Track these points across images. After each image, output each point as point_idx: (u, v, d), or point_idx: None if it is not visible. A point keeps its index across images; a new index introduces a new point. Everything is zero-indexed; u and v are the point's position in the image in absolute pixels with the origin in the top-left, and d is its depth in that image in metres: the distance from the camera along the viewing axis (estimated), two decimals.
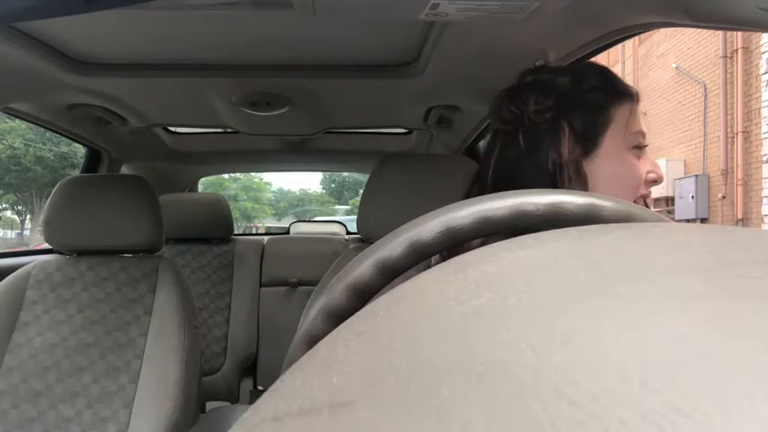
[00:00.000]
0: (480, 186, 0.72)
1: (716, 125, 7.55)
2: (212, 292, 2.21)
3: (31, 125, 1.75)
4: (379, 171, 1.14)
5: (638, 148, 0.70)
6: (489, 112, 0.74)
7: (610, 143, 0.67)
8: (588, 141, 0.67)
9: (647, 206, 0.69)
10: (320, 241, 2.47)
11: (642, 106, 0.76)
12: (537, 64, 0.74)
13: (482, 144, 2.03)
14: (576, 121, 0.66)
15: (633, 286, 0.15)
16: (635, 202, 0.68)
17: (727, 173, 7.41)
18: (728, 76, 7.33)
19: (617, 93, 0.69)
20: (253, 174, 16.36)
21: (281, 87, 1.43)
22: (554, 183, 0.66)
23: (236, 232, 2.43)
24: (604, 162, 0.67)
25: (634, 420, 0.11)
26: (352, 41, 1.18)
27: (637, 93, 0.71)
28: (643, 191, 0.69)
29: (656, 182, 0.70)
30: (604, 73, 0.71)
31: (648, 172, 0.70)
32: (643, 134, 0.70)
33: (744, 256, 0.17)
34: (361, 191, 1.40)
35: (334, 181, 23.68)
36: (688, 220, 7.44)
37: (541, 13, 0.90)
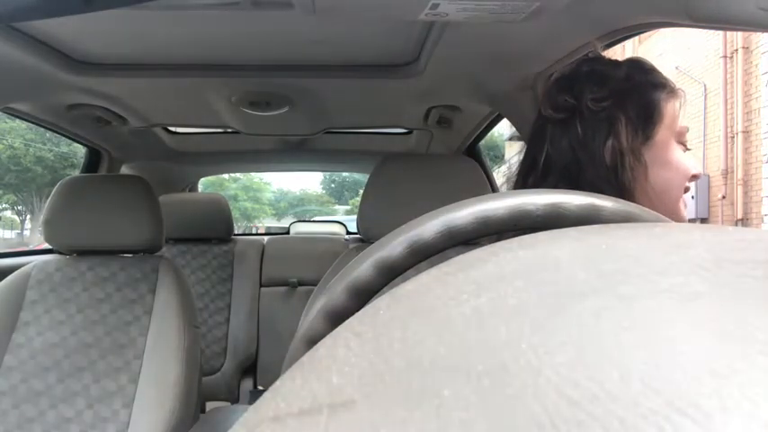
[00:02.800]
0: (536, 174, 0.73)
1: (716, 125, 7.55)
2: (212, 292, 2.21)
3: (31, 125, 1.75)
4: (379, 171, 1.14)
5: (682, 144, 0.72)
6: (540, 99, 0.75)
7: (663, 134, 0.69)
8: (645, 131, 0.69)
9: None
10: (320, 241, 2.47)
11: None
12: (591, 55, 0.76)
13: (482, 144, 2.03)
14: (632, 112, 0.68)
15: (633, 286, 0.15)
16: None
17: (727, 173, 7.40)
18: (728, 76, 7.33)
19: (667, 88, 0.71)
20: (253, 174, 16.35)
21: (281, 87, 1.43)
22: (614, 170, 0.67)
23: (235, 232, 2.43)
24: (659, 152, 0.69)
25: (634, 420, 0.11)
26: (352, 41, 1.18)
27: (681, 89, 0.73)
28: (686, 184, 0.72)
29: (695, 177, 0.72)
30: (651, 69, 0.73)
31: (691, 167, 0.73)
32: (687, 130, 0.73)
33: (744, 256, 0.17)
34: (361, 191, 1.40)
35: (334, 181, 23.68)
36: (688, 220, 7.42)
37: (541, 13, 0.90)
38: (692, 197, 7.78)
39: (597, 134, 0.68)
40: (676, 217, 0.70)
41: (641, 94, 0.69)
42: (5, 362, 1.22)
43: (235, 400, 2.13)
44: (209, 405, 2.02)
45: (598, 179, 0.67)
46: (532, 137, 0.76)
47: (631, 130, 0.68)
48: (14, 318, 1.26)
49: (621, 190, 0.67)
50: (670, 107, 0.70)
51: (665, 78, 0.72)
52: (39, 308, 1.28)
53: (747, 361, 0.11)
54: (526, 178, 0.74)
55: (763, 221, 6.79)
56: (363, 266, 0.28)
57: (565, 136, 0.70)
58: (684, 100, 0.73)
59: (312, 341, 0.27)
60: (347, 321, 0.19)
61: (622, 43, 1.03)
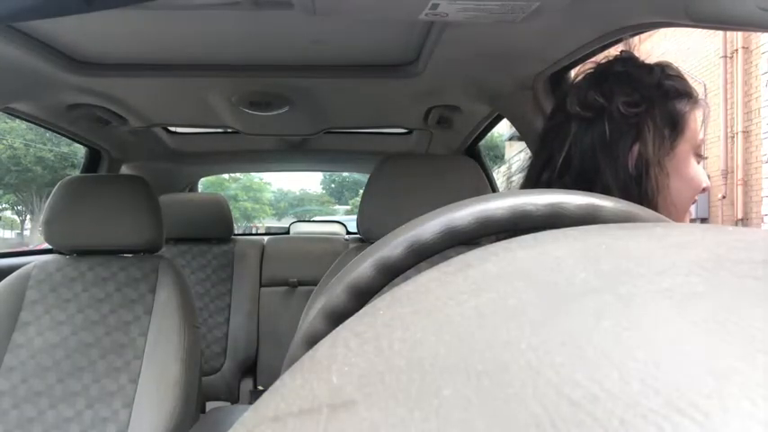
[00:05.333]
0: (551, 171, 0.71)
1: (716, 125, 7.54)
2: (212, 292, 2.21)
3: (31, 125, 1.75)
4: (379, 171, 1.14)
5: (699, 155, 0.72)
6: (568, 94, 0.73)
7: (683, 147, 0.69)
8: (670, 141, 0.68)
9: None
10: (320, 241, 2.48)
11: None
12: (624, 53, 0.74)
13: (482, 144, 2.03)
14: (659, 120, 0.67)
15: (633, 286, 0.15)
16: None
17: (727, 173, 7.40)
18: (728, 76, 7.32)
19: (694, 99, 0.70)
20: (253, 174, 16.36)
21: (281, 87, 1.43)
22: (638, 179, 0.66)
23: (235, 232, 2.43)
24: (677, 164, 0.69)
25: (634, 420, 0.11)
26: (352, 41, 1.18)
27: (706, 102, 0.73)
28: (695, 197, 0.72)
29: (705, 190, 0.72)
30: (681, 76, 0.72)
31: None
32: (704, 142, 0.72)
33: (744, 256, 0.17)
34: (361, 191, 1.40)
35: (334, 181, 23.70)
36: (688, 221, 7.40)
37: (541, 13, 0.90)
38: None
39: (623, 138, 0.67)
40: None
41: (669, 102, 0.68)
42: (5, 362, 1.22)
43: (235, 400, 2.13)
44: (210, 405, 2.02)
45: (616, 184, 0.66)
46: (551, 132, 0.74)
47: (658, 138, 0.67)
48: (14, 318, 1.26)
49: (643, 199, 0.66)
50: (693, 119, 0.69)
51: (690, 87, 0.71)
52: (39, 308, 1.28)
53: (747, 361, 0.11)
54: (540, 174, 0.73)
55: (763, 221, 6.78)
56: (363, 266, 0.28)
57: (588, 135, 0.68)
58: (708, 112, 0.72)
59: (312, 341, 0.27)
60: (347, 321, 0.19)
61: (625, 41, 1.03)
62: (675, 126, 0.68)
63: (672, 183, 0.68)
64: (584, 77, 0.73)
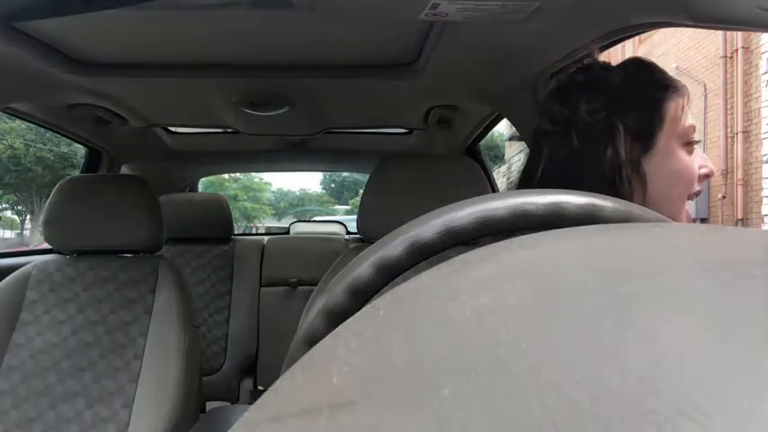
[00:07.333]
0: (533, 187, 0.70)
1: (716, 125, 7.54)
2: (212, 292, 2.21)
3: (31, 125, 1.75)
4: (379, 171, 1.14)
5: (690, 143, 0.68)
6: (538, 112, 0.72)
7: (665, 140, 0.66)
8: (645, 140, 0.65)
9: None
10: (320, 241, 2.48)
11: None
12: (585, 61, 0.72)
13: (482, 144, 2.03)
14: (630, 120, 0.65)
15: (633, 286, 0.15)
16: (689, 198, 0.68)
17: (727, 173, 7.40)
18: (728, 76, 7.32)
19: (667, 87, 0.67)
20: (253, 174, 16.36)
21: (281, 87, 1.43)
22: (613, 183, 0.64)
23: (235, 232, 2.43)
24: (661, 160, 0.66)
25: (634, 420, 0.11)
26: (352, 41, 1.18)
27: (685, 86, 0.69)
28: (697, 187, 0.68)
29: (708, 176, 0.69)
30: (652, 68, 0.69)
31: (700, 167, 0.68)
32: (694, 129, 0.68)
33: (744, 256, 0.17)
34: (361, 191, 1.40)
35: (334, 181, 23.71)
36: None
37: (541, 12, 0.90)
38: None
39: (595, 145, 0.65)
40: None
41: (639, 98, 0.66)
42: (5, 362, 1.22)
43: (235, 400, 2.13)
44: (210, 405, 2.02)
45: (598, 191, 0.65)
46: (531, 149, 0.73)
47: (630, 139, 0.65)
48: (14, 318, 1.26)
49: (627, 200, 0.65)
50: (672, 108, 0.66)
51: (664, 77, 0.68)
52: (39, 308, 1.28)
53: (747, 361, 0.11)
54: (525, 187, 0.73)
55: (763, 221, 6.78)
56: (363, 266, 0.28)
57: (562, 148, 0.67)
58: (688, 98, 0.68)
59: (312, 341, 0.27)
60: (347, 321, 0.19)
61: (622, 43, 1.03)
62: (650, 122, 0.66)
63: (657, 183, 0.65)
64: (548, 93, 0.72)
